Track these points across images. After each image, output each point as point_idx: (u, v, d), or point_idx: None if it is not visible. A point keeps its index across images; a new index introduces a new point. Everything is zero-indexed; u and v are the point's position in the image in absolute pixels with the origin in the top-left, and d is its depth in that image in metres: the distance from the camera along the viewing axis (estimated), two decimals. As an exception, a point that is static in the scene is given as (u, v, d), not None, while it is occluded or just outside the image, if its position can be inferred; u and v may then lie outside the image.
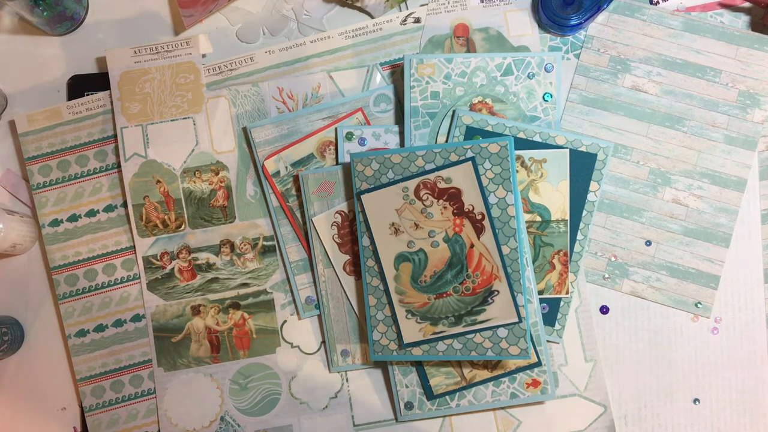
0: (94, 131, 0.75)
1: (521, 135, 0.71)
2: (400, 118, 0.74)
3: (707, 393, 0.71)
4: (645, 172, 0.73)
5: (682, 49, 0.74)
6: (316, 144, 0.73)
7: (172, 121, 0.74)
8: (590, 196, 0.71)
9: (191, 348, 0.73)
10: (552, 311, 0.71)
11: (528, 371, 0.69)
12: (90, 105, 0.75)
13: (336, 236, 0.71)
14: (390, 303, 0.68)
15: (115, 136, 0.74)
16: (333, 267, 0.71)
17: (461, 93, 0.73)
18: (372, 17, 0.76)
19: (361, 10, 0.77)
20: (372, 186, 0.68)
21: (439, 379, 0.70)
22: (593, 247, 0.73)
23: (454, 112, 0.72)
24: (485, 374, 0.69)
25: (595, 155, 0.71)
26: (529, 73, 0.73)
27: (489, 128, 0.71)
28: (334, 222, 0.71)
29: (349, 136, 0.72)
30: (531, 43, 0.75)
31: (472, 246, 0.67)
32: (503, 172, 0.67)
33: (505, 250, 0.66)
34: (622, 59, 0.74)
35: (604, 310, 0.72)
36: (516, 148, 0.71)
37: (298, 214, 0.73)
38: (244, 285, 0.73)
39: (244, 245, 0.73)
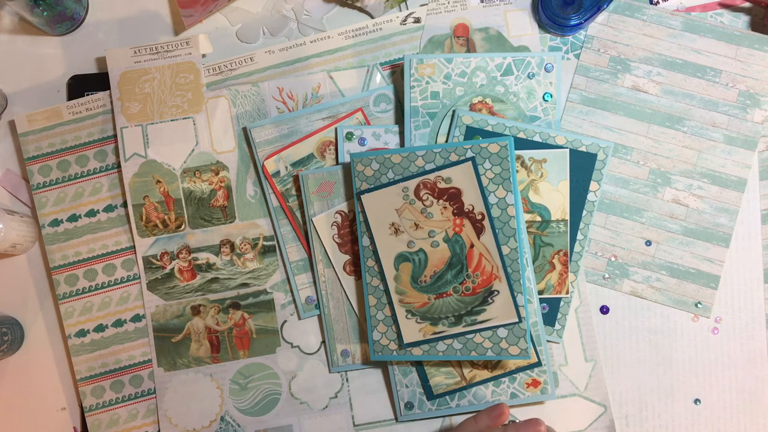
0: (94, 131, 0.75)
1: (521, 135, 0.71)
2: (400, 118, 0.74)
3: (708, 393, 0.71)
4: (645, 172, 0.73)
5: (682, 49, 0.74)
6: (316, 144, 0.73)
7: (172, 121, 0.74)
8: (590, 196, 0.71)
9: (191, 348, 0.73)
10: (552, 311, 0.71)
11: (528, 371, 0.69)
12: (90, 105, 0.75)
13: (336, 236, 0.71)
14: (390, 303, 0.68)
15: (115, 136, 0.74)
16: (333, 267, 0.71)
17: (461, 93, 0.73)
18: (372, 17, 0.76)
19: (361, 10, 0.77)
20: (372, 186, 0.68)
21: (439, 379, 0.70)
22: (593, 247, 0.73)
23: (454, 112, 0.72)
24: (485, 374, 0.69)
25: (595, 155, 0.71)
26: (529, 73, 0.73)
27: (489, 128, 0.71)
28: (334, 222, 0.71)
29: (349, 136, 0.72)
30: (531, 43, 0.75)
31: (472, 246, 0.67)
32: (503, 172, 0.67)
33: (505, 250, 0.66)
34: (622, 59, 0.74)
35: (604, 310, 0.72)
36: (516, 148, 0.71)
37: (298, 214, 0.73)
38: (244, 285, 0.73)
39: (244, 245, 0.73)
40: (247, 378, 0.72)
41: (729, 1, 0.75)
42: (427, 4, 0.76)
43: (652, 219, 0.72)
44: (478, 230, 0.67)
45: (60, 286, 0.74)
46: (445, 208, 0.67)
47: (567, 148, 0.71)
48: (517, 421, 0.71)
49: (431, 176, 0.68)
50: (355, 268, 0.71)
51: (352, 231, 0.71)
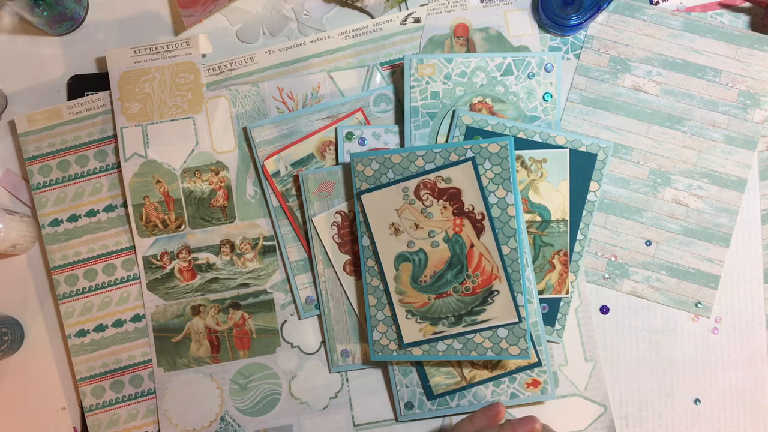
0: (94, 131, 0.75)
1: (521, 135, 0.71)
2: (400, 118, 0.74)
3: (707, 393, 0.71)
4: (645, 172, 0.73)
5: (682, 49, 0.74)
6: (316, 144, 0.73)
7: (172, 121, 0.74)
8: (590, 196, 0.71)
9: (191, 348, 0.73)
10: (552, 311, 0.71)
11: (528, 371, 0.69)
12: (90, 105, 0.75)
13: (336, 236, 0.71)
14: (390, 303, 0.68)
15: (115, 136, 0.74)
16: (333, 267, 0.71)
17: (461, 93, 0.73)
18: (372, 17, 0.76)
19: (361, 10, 0.77)
20: (372, 186, 0.68)
21: (439, 379, 0.70)
22: (593, 247, 0.73)
23: (454, 112, 0.72)
24: (485, 374, 0.69)
25: (595, 155, 0.71)
26: (529, 73, 0.73)
27: (489, 128, 0.71)
28: (334, 222, 0.71)
29: (349, 136, 0.72)
30: (531, 43, 0.75)
31: (472, 246, 0.67)
32: (503, 172, 0.67)
33: (505, 250, 0.66)
34: (622, 59, 0.74)
35: (604, 310, 0.72)
36: (516, 148, 0.71)
37: (298, 214, 0.73)
38: (244, 285, 0.73)
39: (244, 245, 0.73)
40: (247, 378, 0.72)
41: (729, 1, 0.75)
42: (427, 4, 0.76)
43: (652, 219, 0.72)
44: (478, 230, 0.67)
45: (60, 286, 0.74)
46: (445, 208, 0.67)
47: (567, 148, 0.71)
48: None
49: (431, 176, 0.68)
50: (355, 268, 0.71)
51: (352, 231, 0.71)
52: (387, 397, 0.72)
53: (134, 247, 0.74)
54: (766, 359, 0.71)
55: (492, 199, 0.67)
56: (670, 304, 0.72)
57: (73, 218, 0.74)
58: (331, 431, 0.72)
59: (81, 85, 0.76)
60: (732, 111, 0.73)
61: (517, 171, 0.71)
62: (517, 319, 0.66)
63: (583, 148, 0.71)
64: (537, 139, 0.71)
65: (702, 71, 0.73)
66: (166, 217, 0.74)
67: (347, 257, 0.71)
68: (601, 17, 0.75)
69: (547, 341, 0.71)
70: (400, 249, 0.68)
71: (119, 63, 0.74)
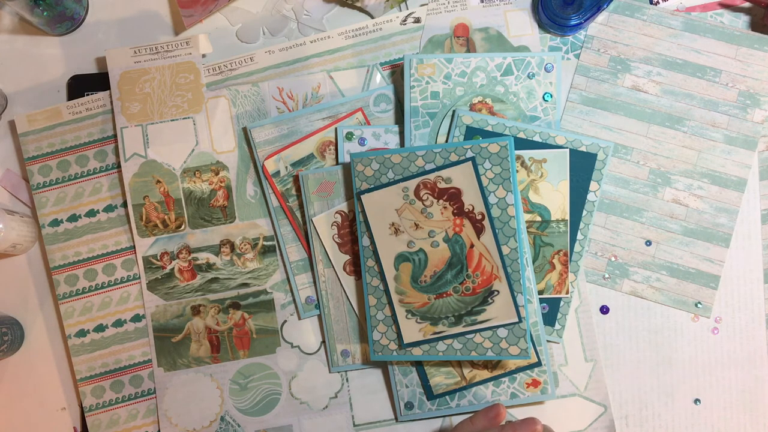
0: (94, 131, 0.75)
1: (521, 135, 0.71)
2: (400, 118, 0.74)
3: (707, 393, 0.71)
4: (645, 172, 0.73)
5: (682, 49, 0.74)
6: (316, 144, 0.73)
7: (172, 121, 0.74)
8: (590, 196, 0.71)
9: (191, 348, 0.73)
10: (552, 311, 0.71)
11: (528, 371, 0.69)
12: (90, 105, 0.75)
13: (336, 236, 0.71)
14: (390, 303, 0.68)
15: (115, 136, 0.74)
16: (333, 267, 0.71)
17: (461, 93, 0.73)
18: (372, 17, 0.76)
19: (361, 10, 0.77)
20: (372, 186, 0.68)
21: (439, 379, 0.70)
22: (593, 247, 0.73)
23: (454, 112, 0.72)
24: (485, 374, 0.69)
25: (595, 155, 0.71)
26: (529, 73, 0.73)
27: (489, 128, 0.71)
28: (334, 222, 0.71)
29: (349, 136, 0.72)
30: (531, 43, 0.75)
31: (472, 246, 0.67)
32: (503, 172, 0.67)
33: (505, 250, 0.66)
34: (622, 59, 0.74)
35: (604, 310, 0.72)
36: (516, 148, 0.71)
37: (298, 214, 0.73)
38: (244, 285, 0.73)
39: (244, 245, 0.73)
40: (247, 378, 0.72)
41: (729, 1, 0.75)
42: (427, 4, 0.76)
43: (652, 219, 0.72)
44: (478, 230, 0.67)
45: (60, 286, 0.74)
46: (445, 208, 0.67)
47: (567, 148, 0.71)
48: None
49: (431, 176, 0.68)
50: (355, 268, 0.71)
51: (352, 231, 0.71)
52: (387, 397, 0.72)
53: (134, 247, 0.74)
54: (766, 359, 0.71)
55: (492, 199, 0.67)
56: (670, 304, 0.72)
57: (73, 218, 0.74)
58: (331, 431, 0.72)
59: (81, 85, 0.76)
60: (732, 111, 0.73)
61: (517, 171, 0.71)
62: (517, 319, 0.66)
63: (583, 148, 0.71)
64: (537, 139, 0.71)
65: (702, 71, 0.73)
66: (166, 217, 0.74)
67: (347, 257, 0.71)
68: (601, 17, 0.75)
69: (547, 341, 0.71)
70: (400, 249, 0.68)
71: (119, 63, 0.74)
